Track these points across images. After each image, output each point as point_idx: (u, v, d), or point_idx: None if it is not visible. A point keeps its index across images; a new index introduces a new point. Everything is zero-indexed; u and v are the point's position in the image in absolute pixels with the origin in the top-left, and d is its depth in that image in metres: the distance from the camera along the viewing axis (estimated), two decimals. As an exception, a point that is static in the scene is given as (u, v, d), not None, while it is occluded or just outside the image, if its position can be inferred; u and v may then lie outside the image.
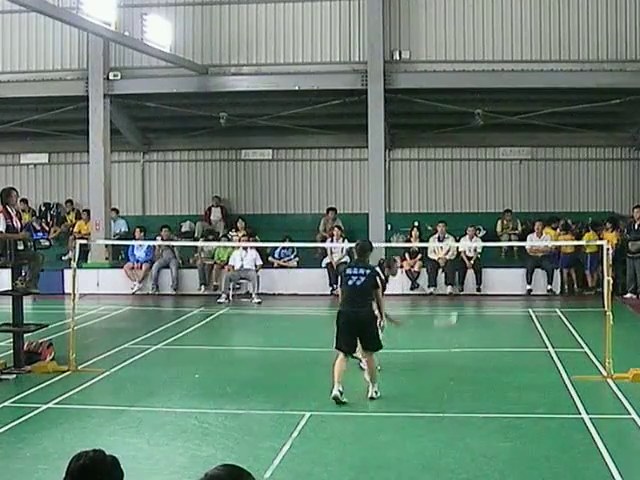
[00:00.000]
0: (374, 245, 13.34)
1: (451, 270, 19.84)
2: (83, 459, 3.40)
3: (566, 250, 19.87)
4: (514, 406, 9.61)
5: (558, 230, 20.36)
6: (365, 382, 10.06)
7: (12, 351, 11.88)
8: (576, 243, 19.06)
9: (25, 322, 12.22)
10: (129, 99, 21.67)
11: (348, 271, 9.95)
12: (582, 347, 13.04)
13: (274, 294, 19.84)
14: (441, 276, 19.89)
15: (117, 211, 22.59)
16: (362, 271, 9.83)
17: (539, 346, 13.32)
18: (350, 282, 9.82)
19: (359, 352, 13.48)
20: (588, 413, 9.14)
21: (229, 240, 20.85)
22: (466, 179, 22.79)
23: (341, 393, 9.64)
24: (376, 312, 10.08)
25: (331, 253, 20.18)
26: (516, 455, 7.93)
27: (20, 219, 12.27)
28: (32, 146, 24.08)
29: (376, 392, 10.00)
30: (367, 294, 9.83)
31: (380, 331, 10.19)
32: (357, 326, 9.81)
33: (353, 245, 10.90)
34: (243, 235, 20.58)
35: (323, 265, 20.31)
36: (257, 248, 19.69)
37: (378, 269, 10.58)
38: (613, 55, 20.16)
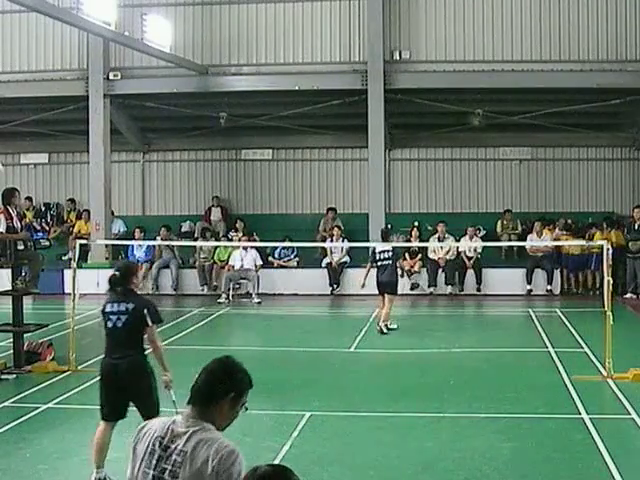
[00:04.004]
0: (374, 245, 13.47)
1: (451, 270, 19.84)
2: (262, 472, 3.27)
3: (573, 252, 19.73)
4: (514, 406, 9.60)
5: (557, 230, 20.29)
6: None
7: (12, 351, 11.89)
8: (576, 243, 19.02)
9: (25, 322, 12.23)
10: (129, 99, 21.65)
11: (107, 308, 7.42)
12: (582, 347, 13.04)
13: (274, 294, 19.84)
14: (441, 276, 19.90)
15: (112, 212, 22.48)
16: (124, 307, 7.33)
17: (539, 346, 13.32)
18: (110, 324, 7.38)
19: (382, 321, 13.43)
20: (588, 413, 9.15)
21: (229, 240, 20.85)
22: (466, 179, 22.77)
23: None
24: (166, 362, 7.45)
25: (331, 253, 20.19)
26: (516, 455, 7.93)
27: (21, 220, 12.26)
28: (32, 146, 24.06)
29: None
30: (133, 338, 7.34)
31: (167, 389, 7.43)
32: (119, 382, 7.27)
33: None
34: (243, 235, 20.59)
35: (323, 265, 20.32)
36: (257, 248, 19.69)
37: (149, 299, 7.80)
38: (613, 55, 20.16)
